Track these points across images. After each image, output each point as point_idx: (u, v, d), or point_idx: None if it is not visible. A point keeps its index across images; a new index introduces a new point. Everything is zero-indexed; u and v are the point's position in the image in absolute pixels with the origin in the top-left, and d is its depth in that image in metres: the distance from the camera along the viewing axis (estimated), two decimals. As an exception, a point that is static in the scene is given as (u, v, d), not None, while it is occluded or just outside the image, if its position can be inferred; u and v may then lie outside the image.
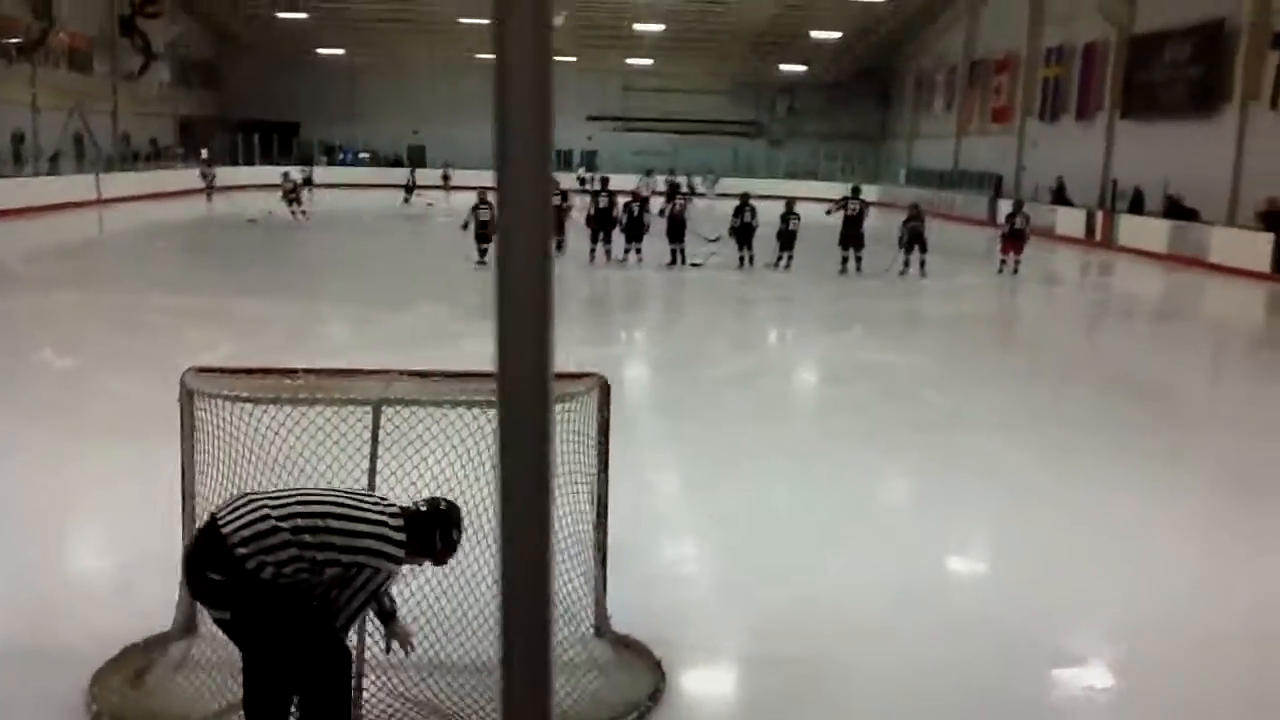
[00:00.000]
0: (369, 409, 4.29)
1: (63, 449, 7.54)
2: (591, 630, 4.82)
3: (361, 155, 46.01)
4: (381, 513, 3.67)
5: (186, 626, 4.64)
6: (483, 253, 18.68)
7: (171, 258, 20.79)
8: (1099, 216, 27.20)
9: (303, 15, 41.34)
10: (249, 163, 42.58)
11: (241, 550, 3.41)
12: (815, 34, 41.85)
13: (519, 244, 1.10)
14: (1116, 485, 7.20)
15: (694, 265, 19.24)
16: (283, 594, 3.46)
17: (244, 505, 3.56)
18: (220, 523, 3.51)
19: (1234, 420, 9.59)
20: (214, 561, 3.46)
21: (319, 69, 47.02)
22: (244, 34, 45.42)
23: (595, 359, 11.77)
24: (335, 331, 12.59)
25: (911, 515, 6.84)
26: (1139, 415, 9.61)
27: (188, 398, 4.55)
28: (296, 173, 31.78)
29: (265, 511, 3.50)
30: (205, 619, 4.54)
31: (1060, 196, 29.90)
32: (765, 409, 9.58)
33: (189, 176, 36.38)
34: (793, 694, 4.47)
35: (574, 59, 45.72)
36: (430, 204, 33.31)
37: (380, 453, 4.26)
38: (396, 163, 47.11)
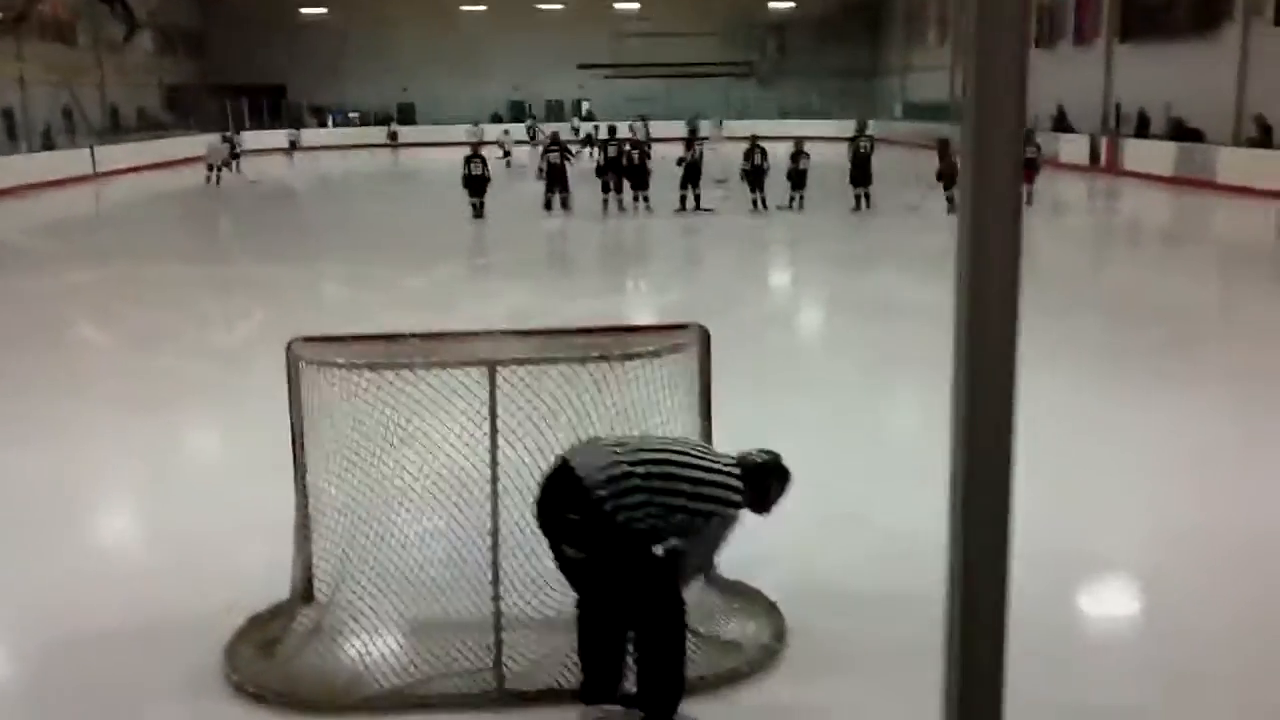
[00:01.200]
0: (483, 370, 4.30)
1: (126, 425, 7.56)
2: (700, 579, 4.87)
3: (351, 115, 45.59)
4: (720, 462, 3.73)
5: (305, 595, 4.68)
6: (476, 207, 18.86)
7: (179, 227, 20.67)
8: (1103, 142, 27.11)
9: (286, -25, 40.83)
10: (239, 128, 42.17)
11: (600, 493, 3.48)
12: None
13: (989, 219, 1.11)
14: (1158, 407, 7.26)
15: (706, 210, 19.18)
16: (635, 538, 3.52)
17: (595, 450, 3.64)
18: (574, 466, 3.58)
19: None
20: (573, 503, 3.54)
21: (304, 30, 46.50)
22: (226, -3, 44.86)
23: (634, 307, 11.88)
24: (362, 295, 12.54)
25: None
26: (1186, 338, 9.67)
27: (296, 365, 4.54)
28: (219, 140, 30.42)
29: (617, 457, 3.57)
30: (323, 587, 4.64)
31: (1062, 123, 29.77)
32: (810, 347, 9.62)
33: (181, 145, 36.07)
34: (914, 629, 4.53)
35: (561, 6, 45.28)
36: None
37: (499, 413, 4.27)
38: (385, 121, 46.79)
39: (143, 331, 10.87)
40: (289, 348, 4.59)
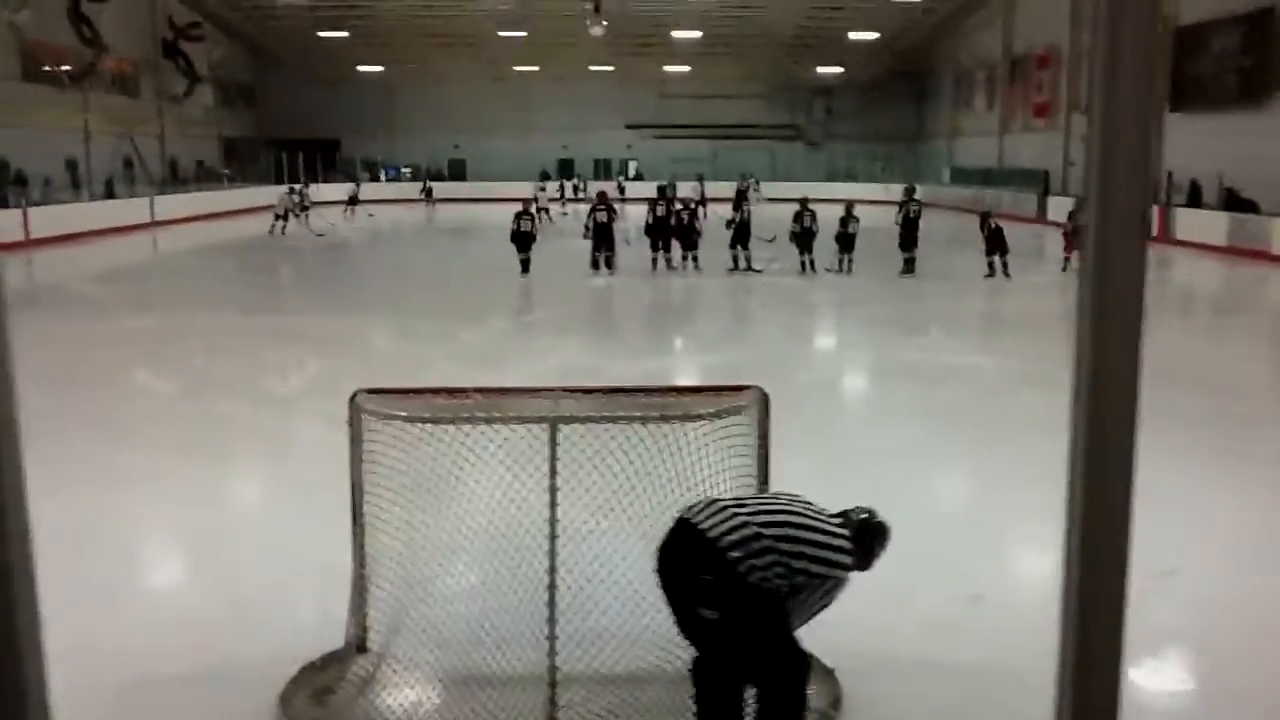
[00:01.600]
0: (544, 427, 4.33)
1: (178, 470, 7.64)
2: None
3: (403, 170, 46.33)
4: (832, 522, 3.78)
5: (359, 645, 4.70)
6: (524, 263, 18.97)
7: (236, 277, 21.02)
8: (1154, 210, 26.96)
9: (343, 34, 41.75)
10: (293, 181, 42.99)
11: (734, 554, 3.50)
12: (852, 35, 41.79)
13: (1112, 291, 1.12)
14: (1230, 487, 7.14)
15: (755, 271, 19.24)
16: (765, 598, 3.55)
17: (719, 511, 3.66)
18: (700, 526, 3.60)
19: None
20: (706, 564, 3.55)
21: (358, 86, 47.49)
22: (284, 54, 45.94)
23: (683, 367, 11.91)
24: (416, 347, 12.67)
25: (1044, 514, 6.80)
26: (1242, 411, 9.53)
27: (359, 417, 4.59)
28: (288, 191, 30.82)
29: (743, 518, 3.60)
30: (376, 638, 4.66)
31: (1111, 191, 29.67)
32: (866, 413, 9.58)
33: (238, 196, 36.88)
34: (970, 699, 4.46)
35: (611, 68, 45.92)
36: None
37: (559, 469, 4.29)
38: (437, 177, 47.53)
39: (198, 379, 11.03)
40: (353, 399, 4.65)
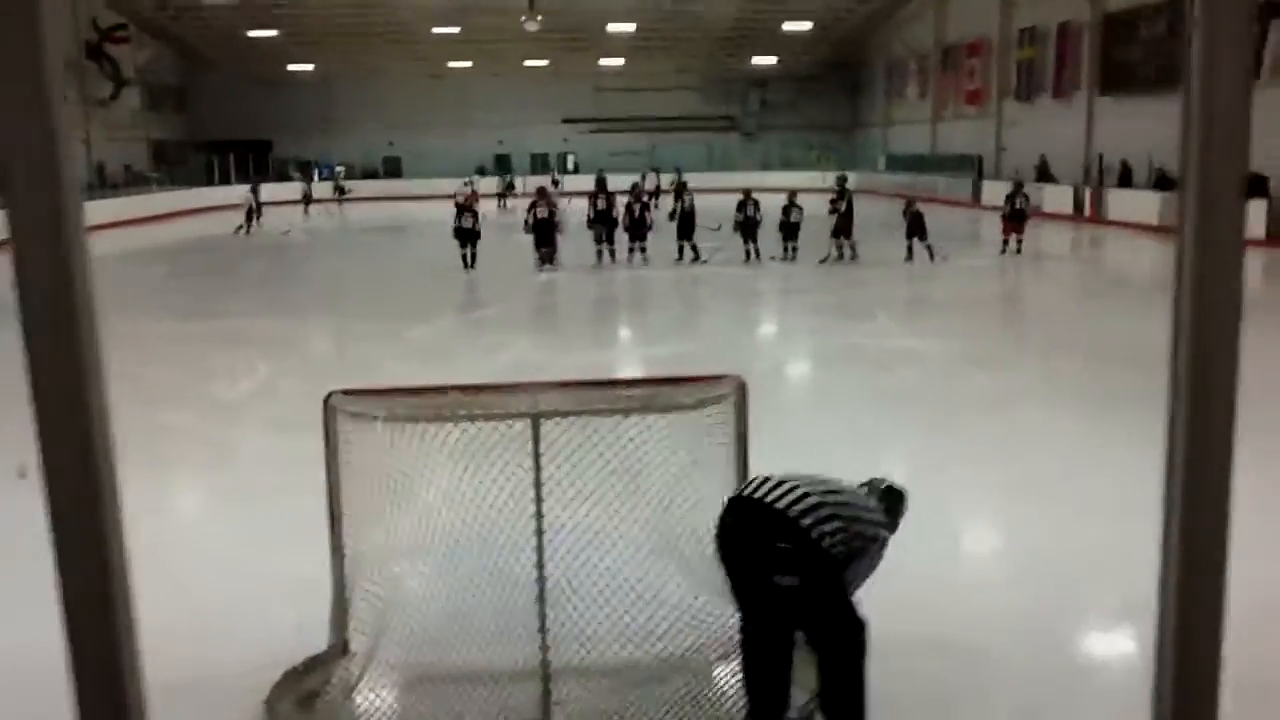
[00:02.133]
0: (525, 422, 4.30)
1: (146, 484, 7.47)
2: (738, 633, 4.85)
3: (337, 169, 45.75)
4: (861, 491, 4.01)
5: (342, 647, 4.64)
6: (466, 258, 18.88)
7: (173, 282, 20.59)
8: (1086, 192, 27.50)
9: (273, 32, 41.09)
10: (225, 182, 42.29)
11: (804, 521, 3.67)
12: (786, 26, 42.01)
13: (1212, 272, 1.13)
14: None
15: (701, 262, 19.30)
16: (835, 562, 3.71)
17: (777, 485, 3.81)
18: (766, 500, 3.75)
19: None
20: (781, 533, 3.70)
21: (290, 85, 46.79)
22: (214, 55, 45.11)
23: (635, 359, 11.91)
24: (364, 349, 12.52)
25: (1003, 497, 6.90)
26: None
27: (334, 419, 4.53)
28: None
29: (803, 489, 3.76)
30: (359, 639, 4.60)
31: (1045, 174, 30.20)
32: (819, 400, 9.66)
33: (167, 200, 36.18)
34: (954, 679, 4.52)
35: (546, 62, 45.72)
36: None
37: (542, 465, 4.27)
38: (371, 175, 47.01)
39: (145, 388, 10.78)
40: (327, 400, 4.58)
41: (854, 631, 3.79)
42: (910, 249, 19.13)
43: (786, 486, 3.79)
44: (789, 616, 3.87)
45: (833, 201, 19.68)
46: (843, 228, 19.39)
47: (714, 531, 3.92)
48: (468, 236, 19.10)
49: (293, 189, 40.12)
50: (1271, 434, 5.80)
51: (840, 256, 19.25)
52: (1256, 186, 20.86)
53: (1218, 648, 1.15)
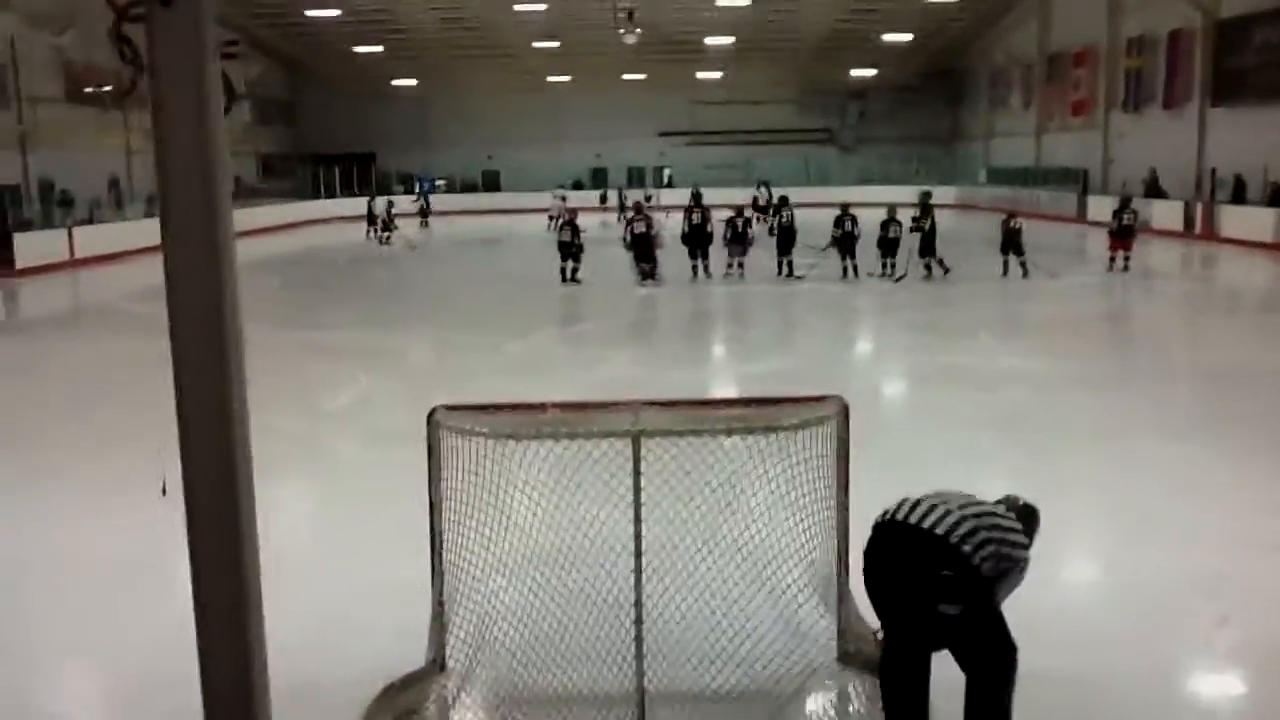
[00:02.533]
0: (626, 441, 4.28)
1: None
2: (836, 658, 4.77)
3: (438, 183, 46.55)
4: (1000, 509, 3.92)
5: (440, 664, 4.67)
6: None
7: (284, 293, 21.13)
8: (1198, 207, 26.64)
9: (378, 48, 42.02)
10: (330, 195, 43.37)
11: (965, 548, 3.63)
12: (885, 37, 41.58)
13: None
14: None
15: (797, 278, 19.15)
16: (990, 586, 3.68)
17: (931, 510, 3.76)
18: (924, 526, 3.71)
19: None
20: (943, 560, 3.64)
21: (393, 100, 47.78)
22: (320, 69, 46.33)
23: (735, 375, 11.85)
24: (465, 359, 12.66)
25: (1121, 518, 6.69)
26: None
27: (437, 433, 4.56)
28: (382, 203, 32.56)
29: (957, 513, 3.72)
30: (457, 656, 4.62)
31: (1154, 188, 29.33)
32: (921, 420, 9.49)
33: (276, 212, 37.18)
34: (1061, 710, 4.37)
35: (643, 75, 45.93)
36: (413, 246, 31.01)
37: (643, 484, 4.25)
38: (470, 189, 47.73)
39: (253, 394, 11.03)
40: (431, 416, 4.62)
41: (1008, 655, 3.75)
42: (1006, 264, 18.78)
43: (941, 510, 3.73)
44: (941, 640, 3.81)
45: (915, 220, 19.33)
46: (926, 247, 19.06)
47: (864, 555, 3.89)
48: (567, 250, 19.25)
49: (401, 201, 40.88)
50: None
51: (929, 275, 18.93)
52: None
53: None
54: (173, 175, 1.10)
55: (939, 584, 3.65)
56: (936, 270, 18.94)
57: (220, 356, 1.06)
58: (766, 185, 33.49)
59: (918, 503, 3.81)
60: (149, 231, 22.07)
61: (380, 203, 33.14)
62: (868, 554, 3.85)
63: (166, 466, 2.80)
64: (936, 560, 3.65)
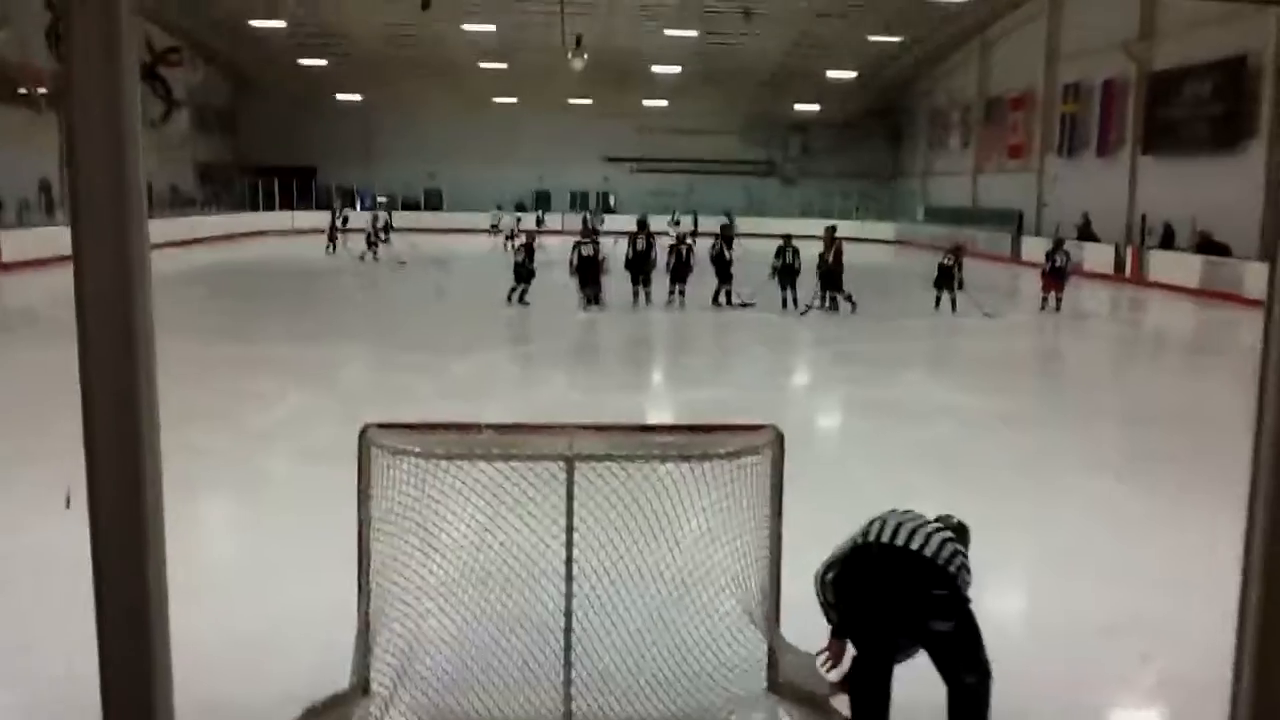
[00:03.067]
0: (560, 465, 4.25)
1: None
2: (765, 685, 4.76)
3: (380, 200, 46.18)
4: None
5: (363, 687, 4.57)
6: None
7: (214, 304, 20.78)
8: (1129, 252, 27.29)
9: (322, 61, 41.67)
10: (268, 208, 42.82)
11: (950, 568, 3.85)
12: (830, 73, 42.18)
13: None
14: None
15: (744, 305, 19.24)
16: (966, 603, 3.88)
17: (912, 531, 3.94)
18: (911, 546, 3.88)
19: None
20: (935, 580, 3.84)
21: (336, 114, 47.38)
22: (263, 79, 45.81)
23: (674, 403, 11.85)
24: (406, 380, 12.52)
25: (1050, 555, 6.77)
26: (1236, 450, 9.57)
27: (368, 452, 4.49)
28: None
29: (930, 531, 3.92)
30: (381, 680, 4.53)
31: (1087, 232, 30.00)
32: (853, 450, 9.56)
33: (211, 223, 36.63)
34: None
35: (590, 101, 46.08)
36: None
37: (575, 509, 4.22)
38: (412, 206, 47.37)
39: (176, 409, 10.77)
40: (363, 434, 4.55)
41: (988, 665, 3.90)
42: (938, 299, 19.10)
43: (921, 533, 3.92)
44: (945, 658, 3.92)
45: (821, 254, 19.46)
46: (830, 279, 19.18)
47: (831, 577, 4.07)
48: (523, 274, 19.26)
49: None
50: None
51: (833, 307, 19.07)
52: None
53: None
54: (85, 173, 1.07)
55: (932, 603, 3.82)
56: (844, 305, 19.04)
57: (130, 363, 1.02)
58: (694, 214, 34.14)
59: (895, 525, 3.98)
60: (79, 237, 21.53)
61: (365, 216, 33.70)
62: (849, 576, 4.01)
63: (72, 480, 2.72)
64: (928, 581, 3.83)
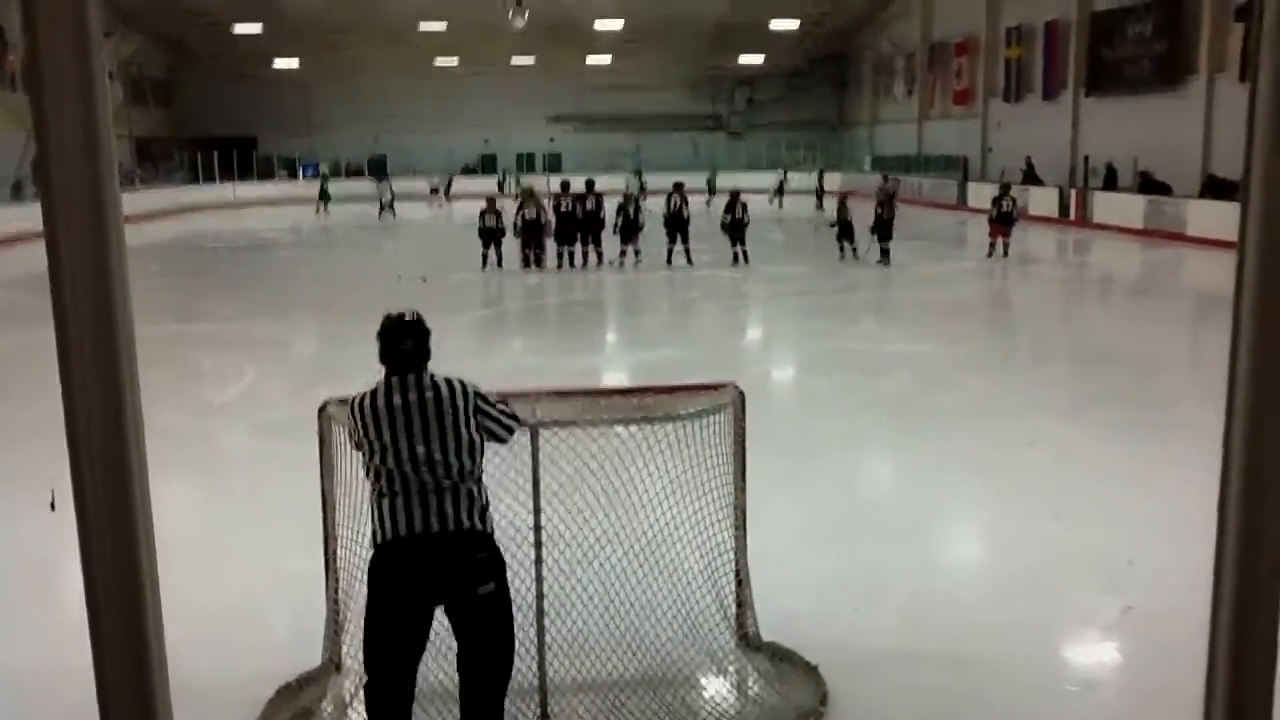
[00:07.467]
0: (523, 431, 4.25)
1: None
2: (734, 641, 4.82)
3: (321, 169, 45.47)
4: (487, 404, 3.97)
5: (336, 663, 4.58)
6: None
7: (162, 282, 20.43)
8: (1072, 195, 27.57)
9: (258, 27, 40.86)
10: (209, 180, 42.04)
11: (480, 525, 3.62)
12: (773, 24, 42.01)
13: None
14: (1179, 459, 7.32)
15: (689, 264, 19.24)
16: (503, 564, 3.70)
17: (439, 507, 3.59)
18: (448, 528, 3.58)
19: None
20: (476, 545, 3.60)
21: (274, 82, 46.53)
22: (198, 49, 44.85)
23: (633, 363, 11.86)
24: (357, 351, 12.39)
25: (1011, 499, 6.89)
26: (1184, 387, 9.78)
27: (330, 428, 4.47)
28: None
29: (455, 486, 3.61)
30: (354, 654, 4.54)
31: (1031, 176, 30.25)
32: (812, 405, 9.65)
33: (151, 198, 35.89)
34: (951, 691, 4.49)
35: (532, 60, 45.60)
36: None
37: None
38: (356, 174, 46.64)
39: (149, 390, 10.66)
40: (322, 410, 4.53)
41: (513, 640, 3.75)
42: (841, 249, 19.51)
43: (446, 500, 3.58)
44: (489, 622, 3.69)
45: (726, 208, 19.63)
46: (735, 231, 19.31)
47: (379, 578, 3.66)
48: (491, 237, 19.22)
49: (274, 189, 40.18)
50: None
51: (735, 261, 19.20)
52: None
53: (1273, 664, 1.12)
54: (54, 154, 1.04)
55: (477, 567, 3.58)
56: (741, 260, 19.14)
57: (110, 349, 1.00)
58: (638, 173, 34.33)
59: (419, 504, 3.58)
60: (12, 217, 21.01)
61: (383, 186, 35.73)
62: (385, 573, 3.62)
63: (55, 479, 2.69)
64: (470, 548, 3.58)
